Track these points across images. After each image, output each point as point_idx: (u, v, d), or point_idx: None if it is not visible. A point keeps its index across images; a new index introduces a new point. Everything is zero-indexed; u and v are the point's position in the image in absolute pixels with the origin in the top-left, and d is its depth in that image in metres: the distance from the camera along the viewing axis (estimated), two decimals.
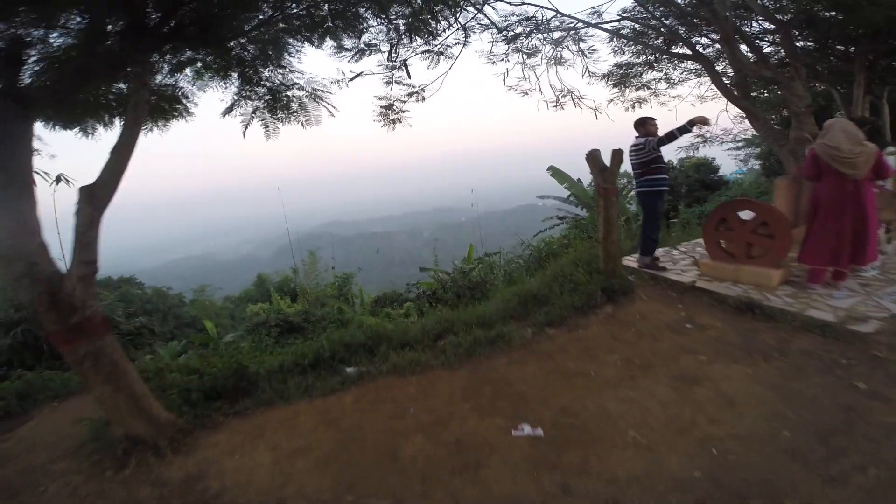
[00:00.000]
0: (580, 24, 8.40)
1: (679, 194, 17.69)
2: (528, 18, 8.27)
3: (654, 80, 11.19)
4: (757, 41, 7.87)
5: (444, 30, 7.10)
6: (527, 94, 9.72)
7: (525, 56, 8.94)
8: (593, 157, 4.38)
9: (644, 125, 4.92)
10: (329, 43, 5.94)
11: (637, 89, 11.40)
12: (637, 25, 9.00)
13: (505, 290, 6.47)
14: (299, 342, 9.81)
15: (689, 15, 8.38)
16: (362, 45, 6.32)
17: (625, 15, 8.78)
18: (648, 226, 4.94)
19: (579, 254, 6.15)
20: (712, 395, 2.85)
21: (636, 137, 4.95)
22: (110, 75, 4.20)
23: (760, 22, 8.44)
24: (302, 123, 5.98)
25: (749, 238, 4.36)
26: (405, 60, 6.74)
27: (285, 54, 5.31)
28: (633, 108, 12.12)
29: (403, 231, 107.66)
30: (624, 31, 9.54)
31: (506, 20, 8.27)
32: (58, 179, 7.03)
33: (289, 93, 5.65)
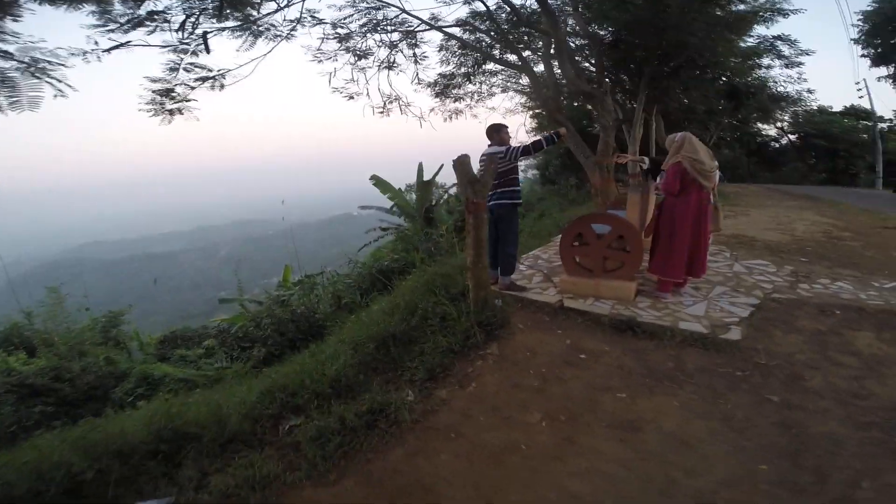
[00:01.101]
0: (421, 27, 7.99)
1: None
2: (372, 12, 7.49)
3: (470, 92, 11.69)
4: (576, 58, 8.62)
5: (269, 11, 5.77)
6: (353, 97, 8.90)
7: (356, 57, 8.13)
8: (462, 164, 3.67)
9: (499, 132, 4.49)
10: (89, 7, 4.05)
11: (455, 100, 11.72)
12: (467, 36, 9.07)
13: (350, 328, 5.35)
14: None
15: (520, 26, 8.77)
16: (142, 14, 4.52)
17: (459, 23, 8.75)
18: (510, 243, 4.53)
19: (429, 276, 5.48)
20: (663, 440, 2.48)
21: (489, 146, 4.50)
22: None
23: (573, 40, 9.26)
24: (1, 107, 3.75)
25: (605, 252, 4.32)
26: (205, 33, 5.09)
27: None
28: (451, 118, 12.47)
29: (194, 249, 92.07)
30: (453, 42, 9.58)
31: (343, 13, 7.31)
32: None
33: None
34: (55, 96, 3.87)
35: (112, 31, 4.30)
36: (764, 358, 3.25)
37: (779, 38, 14.14)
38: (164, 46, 5.21)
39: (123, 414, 3.47)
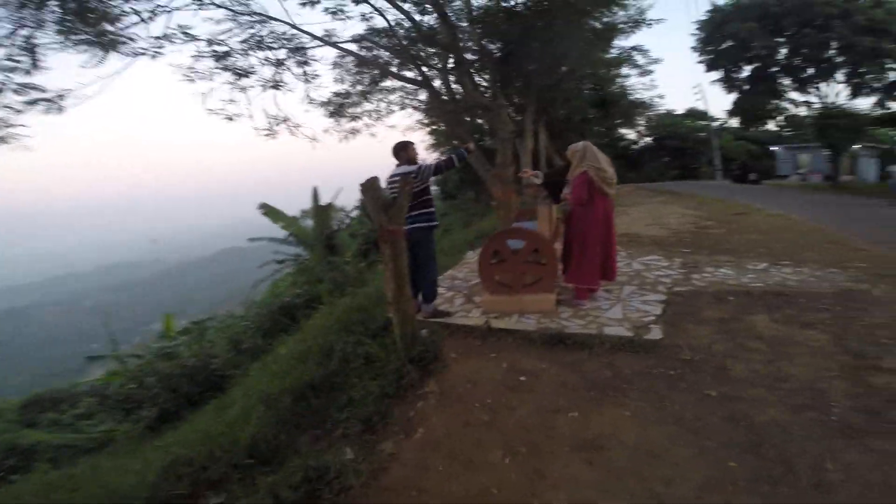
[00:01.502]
0: (314, 43, 7.49)
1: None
2: (256, 27, 6.83)
3: (367, 111, 11.40)
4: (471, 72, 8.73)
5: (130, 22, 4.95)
6: (233, 119, 8.08)
7: (237, 76, 7.38)
8: (372, 187, 3.31)
9: (406, 150, 4.23)
10: None
11: (352, 119, 11.36)
12: (365, 52, 8.78)
13: (256, 378, 4.67)
14: None
15: (419, 42, 8.68)
16: None
17: (355, 39, 8.39)
18: (430, 268, 4.26)
19: (341, 312, 5.01)
20: (630, 454, 2.40)
21: (397, 165, 4.22)
22: None
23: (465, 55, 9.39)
24: None
25: (522, 267, 4.28)
26: (33, 45, 4.20)
27: None
28: (347, 138, 12.06)
29: (50, 302, 78.13)
30: (348, 60, 9.22)
31: (220, 27, 6.55)
32: None
33: None
34: None
35: None
36: (688, 353, 3.36)
37: (634, 48, 15.97)
38: None
39: None
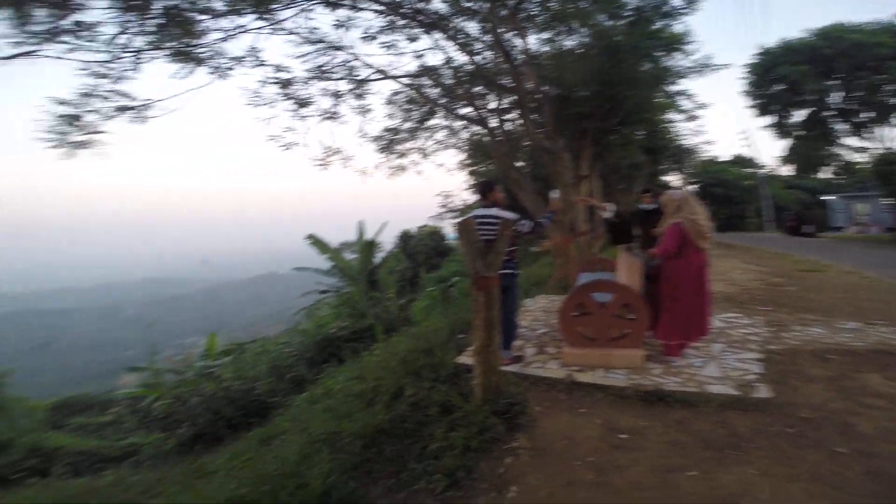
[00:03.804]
0: (376, 75, 7.64)
1: (419, 261, 18.64)
2: (326, 54, 7.04)
3: (415, 148, 11.47)
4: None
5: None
6: (290, 147, 8.24)
7: (298, 105, 7.56)
8: (467, 230, 3.13)
9: (493, 191, 4.04)
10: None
11: (400, 156, 11.46)
12: (419, 88, 8.86)
13: (312, 414, 4.44)
14: None
15: (479, 81, 8.71)
16: (66, 24, 3.76)
17: (411, 75, 8.53)
18: (513, 315, 4.12)
19: (405, 353, 4.75)
20: None
21: (483, 206, 4.01)
22: None
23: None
24: None
25: (609, 321, 3.99)
26: (140, 49, 4.34)
27: None
28: (395, 174, 12.13)
29: (93, 308, 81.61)
30: (400, 96, 9.36)
31: (294, 51, 6.77)
32: None
33: None
34: None
35: (20, 41, 3.48)
36: (807, 411, 3.13)
37: (680, 92, 15.68)
38: (83, 68, 4.33)
39: None
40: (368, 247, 14.16)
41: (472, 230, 3.15)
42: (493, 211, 3.90)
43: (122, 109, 5.07)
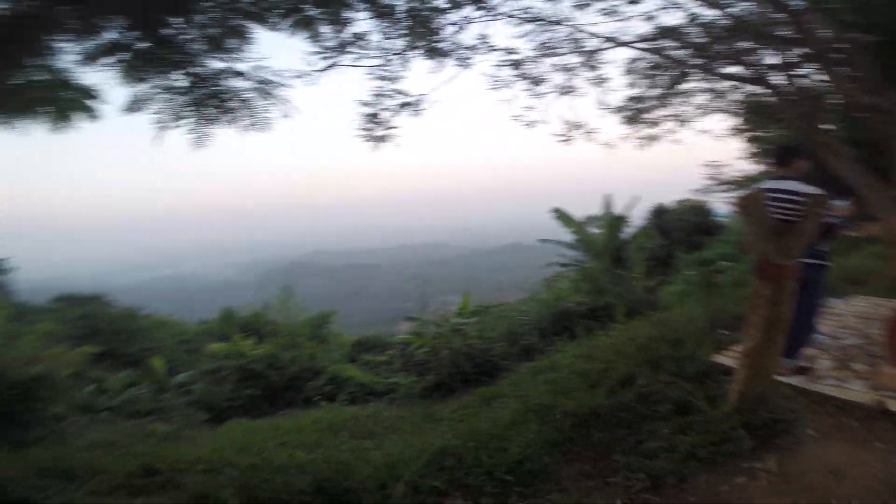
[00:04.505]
0: (607, 45, 7.05)
1: (675, 239, 16.35)
2: (545, 32, 6.94)
3: (667, 116, 9.93)
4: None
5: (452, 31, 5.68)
6: (532, 125, 8.27)
7: (532, 83, 7.56)
8: (754, 205, 2.47)
9: (796, 159, 3.12)
10: (303, 33, 4.36)
11: (650, 125, 10.11)
12: (656, 56, 7.74)
13: (532, 383, 4.48)
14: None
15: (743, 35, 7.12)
16: (346, 37, 4.72)
17: (646, 38, 7.49)
18: (812, 315, 3.31)
19: (645, 339, 4.20)
20: None
21: (778, 178, 3.11)
22: None
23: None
24: (243, 127, 4.12)
25: None
26: (401, 50, 5.10)
27: (236, 39, 3.63)
28: (646, 146, 10.79)
29: (391, 264, 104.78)
30: (639, 63, 8.30)
31: (519, 30, 6.88)
32: None
33: (225, 82, 3.84)
34: (283, 116, 4.15)
35: (325, 55, 4.54)
36: None
37: None
38: (368, 73, 5.40)
39: (295, 455, 3.25)
40: (615, 221, 13.33)
41: (760, 205, 2.49)
42: (792, 184, 2.94)
43: (403, 105, 6.10)
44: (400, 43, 5.19)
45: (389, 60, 5.33)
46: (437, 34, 5.27)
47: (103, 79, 3.79)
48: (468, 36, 5.87)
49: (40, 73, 3.60)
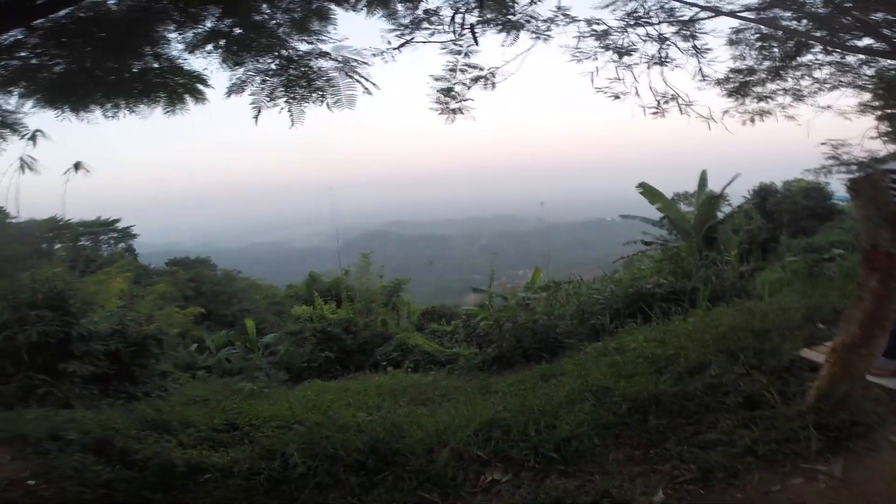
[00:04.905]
0: (704, 14, 6.36)
1: (780, 223, 14.59)
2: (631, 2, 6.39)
3: (781, 90, 8.79)
4: None
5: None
6: (619, 97, 7.73)
7: (619, 55, 7.02)
8: (874, 188, 2.20)
9: None
10: (379, 12, 4.43)
11: (759, 100, 9.02)
12: (764, 27, 6.83)
13: (594, 363, 4.39)
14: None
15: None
16: (420, 14, 4.72)
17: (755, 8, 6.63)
18: None
19: (726, 328, 3.93)
20: None
21: None
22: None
23: None
24: (328, 105, 4.36)
25: None
26: (472, 25, 5.02)
27: (318, 21, 3.81)
28: (753, 121, 9.69)
29: (462, 236, 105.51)
30: (747, 33, 7.36)
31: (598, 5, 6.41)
32: (76, 167, 6.20)
33: (312, 63, 4.06)
34: (364, 93, 4.34)
35: (400, 33, 4.61)
36: None
37: None
38: (442, 47, 5.39)
39: (357, 414, 3.52)
40: (710, 199, 12.35)
41: (881, 189, 2.21)
42: None
43: (476, 79, 6.05)
44: (472, 17, 5.10)
45: (462, 35, 5.28)
46: (511, 7, 5.09)
47: (206, 64, 4.17)
48: (544, 8, 5.60)
49: (155, 62, 4.04)
